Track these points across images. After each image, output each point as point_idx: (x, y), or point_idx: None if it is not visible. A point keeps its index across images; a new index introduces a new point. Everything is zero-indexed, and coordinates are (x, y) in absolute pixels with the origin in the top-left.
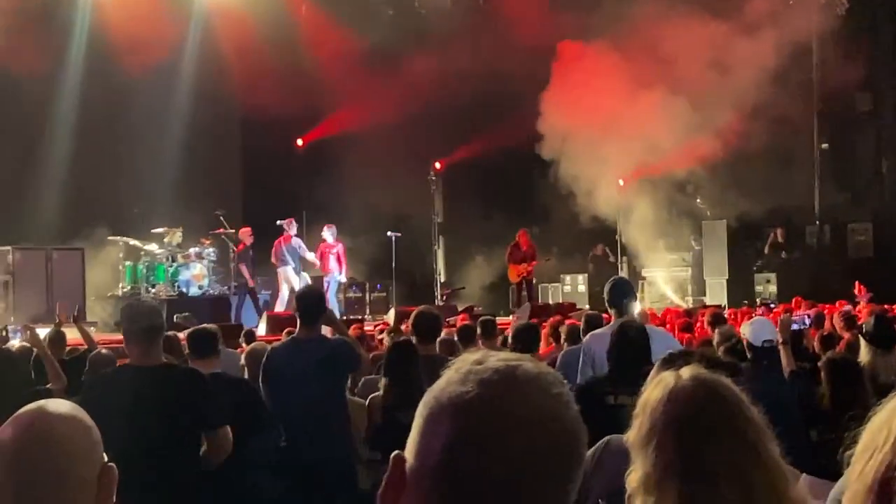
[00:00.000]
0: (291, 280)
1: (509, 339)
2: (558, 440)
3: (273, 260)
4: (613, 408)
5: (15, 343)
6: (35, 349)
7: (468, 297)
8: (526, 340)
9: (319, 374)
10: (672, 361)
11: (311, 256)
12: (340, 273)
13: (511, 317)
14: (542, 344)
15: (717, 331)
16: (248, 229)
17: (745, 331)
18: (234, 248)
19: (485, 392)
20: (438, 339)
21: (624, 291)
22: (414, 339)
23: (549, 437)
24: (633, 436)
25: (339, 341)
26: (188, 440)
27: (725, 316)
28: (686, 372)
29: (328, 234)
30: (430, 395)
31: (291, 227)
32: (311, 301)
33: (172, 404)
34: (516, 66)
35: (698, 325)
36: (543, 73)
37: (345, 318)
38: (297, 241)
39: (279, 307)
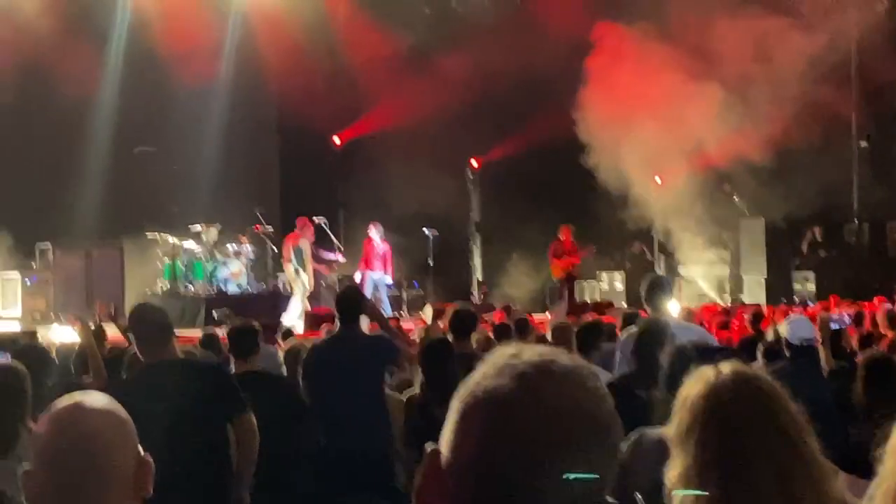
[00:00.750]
0: (291, 280)
1: (548, 338)
2: (594, 433)
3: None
4: (642, 401)
5: (56, 334)
6: (82, 342)
7: (505, 295)
8: (566, 340)
9: (358, 369)
10: (694, 355)
11: (324, 256)
12: (387, 273)
13: (547, 314)
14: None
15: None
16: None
17: (784, 329)
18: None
19: (521, 386)
20: (474, 337)
21: (661, 289)
22: (450, 337)
23: (585, 431)
24: (673, 430)
25: (378, 336)
26: (211, 434)
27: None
28: (725, 367)
29: (375, 233)
30: (465, 389)
31: (305, 228)
32: (350, 300)
33: (189, 397)
34: (554, 62)
35: (736, 323)
36: (581, 69)
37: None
38: (305, 243)
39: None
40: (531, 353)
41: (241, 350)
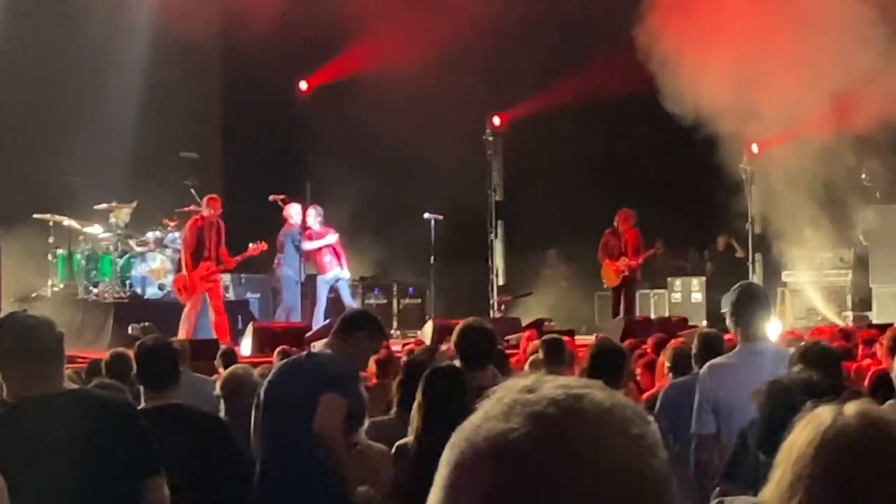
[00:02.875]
0: (288, 284)
1: (585, 367)
2: (638, 496)
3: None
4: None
5: None
6: None
7: (536, 306)
8: (606, 366)
9: (311, 391)
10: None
11: (310, 245)
12: (342, 269)
13: (595, 335)
14: (642, 376)
15: None
16: (297, 205)
17: None
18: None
19: (537, 430)
20: (491, 365)
21: (755, 303)
22: (458, 364)
23: (626, 493)
24: (769, 491)
25: (343, 361)
26: (108, 495)
27: None
28: (849, 407)
29: (313, 218)
30: (461, 435)
31: (291, 209)
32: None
33: (77, 450)
34: None
35: (861, 351)
36: None
37: None
38: (296, 230)
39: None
40: (552, 385)
41: (151, 378)
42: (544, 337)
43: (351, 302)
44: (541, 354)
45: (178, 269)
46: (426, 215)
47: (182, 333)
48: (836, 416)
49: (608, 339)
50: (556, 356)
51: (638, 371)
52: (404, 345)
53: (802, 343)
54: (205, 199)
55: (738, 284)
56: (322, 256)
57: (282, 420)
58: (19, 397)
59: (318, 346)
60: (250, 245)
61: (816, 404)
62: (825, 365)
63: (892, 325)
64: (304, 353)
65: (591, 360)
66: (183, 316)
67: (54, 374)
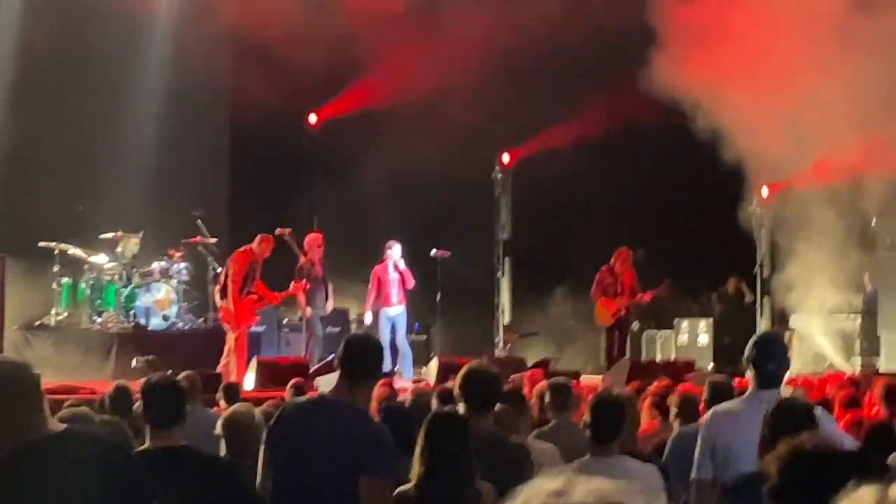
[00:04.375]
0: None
1: (587, 420)
2: None
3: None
4: None
5: None
6: None
7: (542, 345)
8: (607, 418)
9: (339, 459)
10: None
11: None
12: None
13: (601, 377)
14: (644, 418)
15: None
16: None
17: None
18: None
19: None
20: (497, 409)
21: (772, 352)
22: (462, 408)
23: None
24: None
25: (382, 430)
26: None
27: None
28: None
29: (395, 254)
30: None
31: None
32: (363, 349)
33: (69, 489)
34: (620, 18)
35: (869, 399)
36: (660, 25)
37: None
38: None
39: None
40: (584, 489)
41: (157, 417)
42: (551, 381)
43: (405, 339)
44: (547, 399)
45: (218, 300)
46: (433, 252)
47: (232, 369)
48: (881, 498)
49: (608, 390)
50: (562, 402)
51: (644, 413)
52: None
53: (773, 401)
54: (260, 238)
55: (763, 332)
56: (389, 288)
57: (309, 474)
58: (2, 449)
59: (322, 385)
60: (293, 283)
61: (860, 482)
62: (802, 425)
63: None
64: (336, 400)
65: (592, 413)
66: (228, 349)
67: (37, 420)
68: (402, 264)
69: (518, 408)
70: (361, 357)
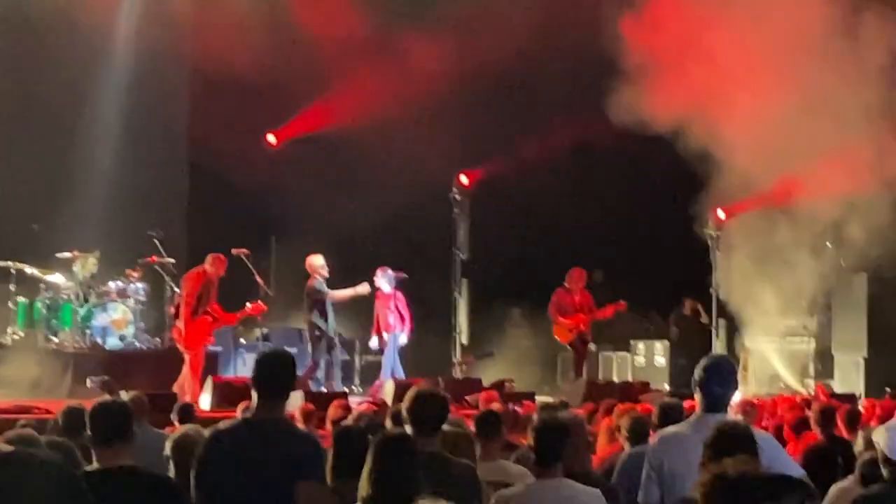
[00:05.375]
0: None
1: (530, 443)
2: None
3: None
4: None
5: None
6: None
7: (499, 366)
8: (550, 441)
9: (275, 477)
10: None
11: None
12: (403, 331)
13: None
14: (602, 441)
15: (862, 435)
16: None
17: (881, 438)
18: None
19: None
20: (444, 430)
21: (720, 376)
22: (409, 430)
23: None
24: None
25: (308, 437)
26: None
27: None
28: None
29: (383, 280)
30: None
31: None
32: (276, 366)
33: None
34: (581, 40)
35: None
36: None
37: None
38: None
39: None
40: None
41: (102, 437)
42: (479, 414)
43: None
44: (473, 429)
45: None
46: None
47: (188, 389)
48: None
49: (552, 416)
50: (491, 432)
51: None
52: (359, 403)
53: (713, 426)
54: (212, 257)
55: (711, 355)
56: (387, 314)
57: (245, 498)
58: None
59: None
60: (249, 304)
61: None
62: (741, 450)
63: (852, 395)
64: (259, 420)
65: (535, 436)
66: (185, 372)
67: None
68: (386, 289)
69: (489, 429)
70: (271, 374)
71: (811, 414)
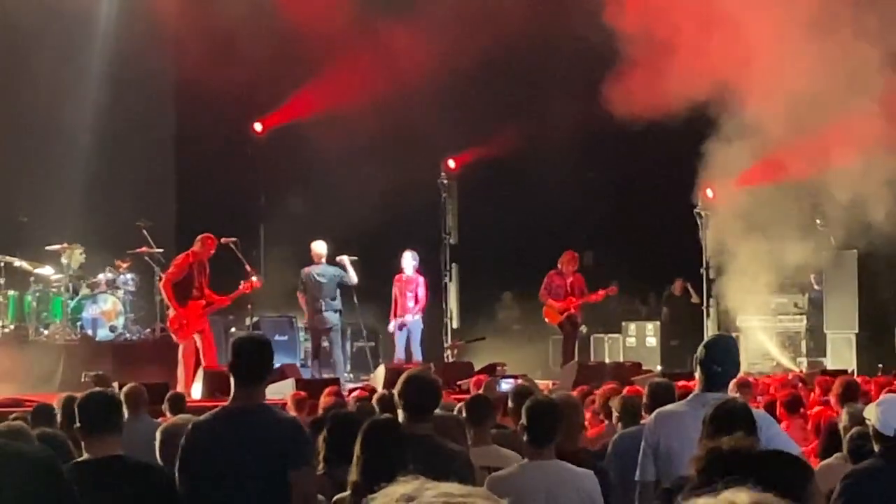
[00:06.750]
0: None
1: (522, 423)
2: None
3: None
4: None
5: None
6: None
7: (490, 350)
8: (542, 422)
9: (258, 465)
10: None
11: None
12: (415, 314)
13: (550, 382)
14: (592, 420)
15: (846, 411)
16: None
17: (872, 414)
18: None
19: None
20: (436, 414)
21: (721, 355)
22: (401, 414)
23: None
24: None
25: (289, 420)
26: None
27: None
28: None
29: (410, 262)
30: None
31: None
32: (252, 351)
33: None
34: (569, 25)
35: (814, 398)
36: (602, 35)
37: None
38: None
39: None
40: (433, 493)
41: (90, 427)
42: (470, 399)
43: (419, 347)
44: (464, 413)
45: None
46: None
47: (181, 377)
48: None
49: (544, 397)
50: (480, 417)
51: (588, 418)
52: (351, 390)
53: (712, 404)
54: (200, 238)
55: (715, 334)
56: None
57: (230, 486)
58: None
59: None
60: (242, 283)
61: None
62: (739, 427)
63: (845, 372)
64: (241, 408)
65: (527, 417)
66: (179, 358)
67: None
68: (409, 271)
69: (480, 414)
70: (249, 360)
71: (833, 389)
